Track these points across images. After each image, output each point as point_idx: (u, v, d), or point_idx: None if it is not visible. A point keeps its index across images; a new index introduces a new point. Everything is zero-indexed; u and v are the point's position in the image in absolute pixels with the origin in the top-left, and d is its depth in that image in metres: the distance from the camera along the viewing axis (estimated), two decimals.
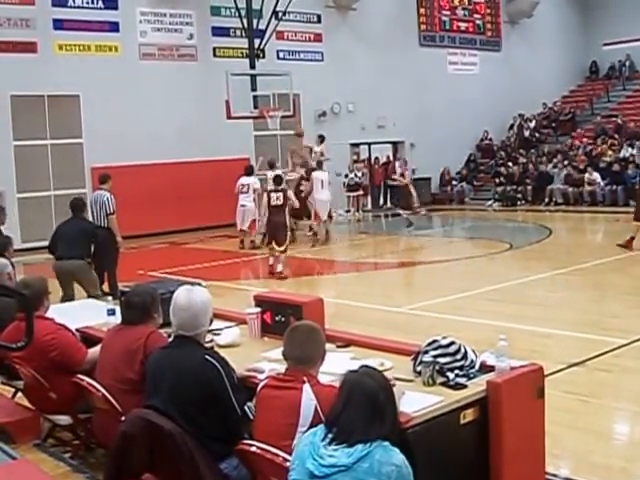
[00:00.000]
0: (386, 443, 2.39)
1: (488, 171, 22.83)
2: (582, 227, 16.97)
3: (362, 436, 2.38)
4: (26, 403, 4.41)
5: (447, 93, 22.67)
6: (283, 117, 16.22)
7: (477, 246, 14.16)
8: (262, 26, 17.24)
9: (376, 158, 22.33)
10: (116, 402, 3.45)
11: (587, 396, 5.23)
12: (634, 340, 6.51)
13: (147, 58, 17.52)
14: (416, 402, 2.92)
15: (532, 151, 22.27)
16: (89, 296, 7.57)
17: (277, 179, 11.81)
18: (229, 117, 15.97)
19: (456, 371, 3.20)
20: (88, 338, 4.38)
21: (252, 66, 17.00)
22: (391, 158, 22.66)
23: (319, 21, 20.52)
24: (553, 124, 23.84)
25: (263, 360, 3.60)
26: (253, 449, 2.78)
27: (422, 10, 22.96)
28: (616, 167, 18.77)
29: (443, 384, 3.12)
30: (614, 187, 18.46)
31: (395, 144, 22.66)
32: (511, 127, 24.26)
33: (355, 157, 20.81)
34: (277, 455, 2.68)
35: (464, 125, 22.71)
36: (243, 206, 14.16)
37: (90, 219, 9.02)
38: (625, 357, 6.15)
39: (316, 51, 20.41)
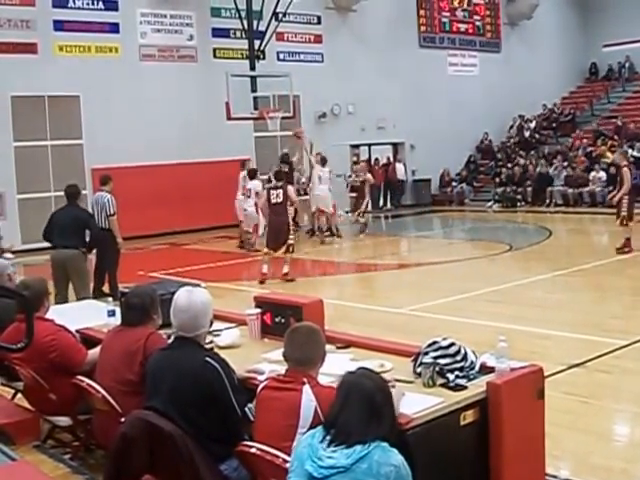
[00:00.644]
0: (385, 444, 2.40)
1: (488, 172, 22.85)
2: (582, 228, 16.97)
3: (360, 437, 2.38)
4: (26, 404, 4.41)
5: (447, 94, 22.68)
6: (283, 118, 16.23)
7: (477, 247, 14.16)
8: (262, 27, 17.27)
9: (376, 159, 22.33)
10: (116, 403, 3.45)
11: (587, 397, 5.23)
12: (634, 341, 6.51)
13: (147, 59, 17.53)
14: (416, 403, 2.92)
15: (532, 152, 22.28)
16: (79, 298, 7.55)
17: (277, 174, 11.14)
18: (229, 118, 15.99)
19: (456, 372, 3.20)
20: (88, 339, 4.38)
21: (252, 67, 17.02)
22: (391, 159, 22.71)
23: (319, 22, 20.53)
24: (553, 125, 23.86)
25: (263, 361, 3.60)
26: (253, 450, 2.78)
27: (422, 11, 22.98)
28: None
29: (443, 385, 3.12)
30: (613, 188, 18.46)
31: (395, 145, 22.68)
32: (511, 128, 24.28)
33: (355, 158, 20.81)
34: (277, 456, 2.68)
35: (464, 126, 22.73)
36: (245, 210, 14.10)
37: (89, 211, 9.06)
38: (625, 358, 6.15)
39: (316, 52, 20.42)
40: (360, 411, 2.43)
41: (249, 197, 13.78)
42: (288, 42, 19.74)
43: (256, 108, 16.30)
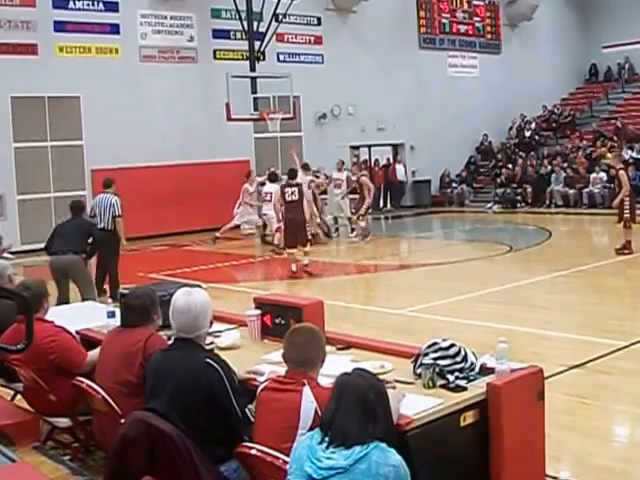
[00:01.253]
0: (383, 444, 2.40)
1: (488, 173, 22.85)
2: (582, 229, 16.97)
3: (358, 438, 2.38)
4: (25, 405, 4.41)
5: (447, 95, 22.70)
6: (283, 119, 16.24)
7: (477, 248, 14.16)
8: (262, 29, 17.29)
9: (376, 160, 22.35)
10: (116, 404, 3.44)
11: (587, 398, 5.23)
12: (634, 342, 6.51)
13: (147, 60, 17.54)
14: (416, 404, 2.92)
15: (532, 153, 22.29)
16: (83, 299, 7.57)
17: (291, 173, 11.28)
18: (229, 119, 16.00)
19: (456, 373, 3.20)
20: (88, 340, 4.38)
21: (252, 68, 17.03)
22: (391, 160, 22.73)
23: (319, 24, 20.54)
24: (553, 125, 23.87)
25: (263, 363, 3.60)
26: (253, 452, 2.78)
27: (422, 13, 22.99)
28: None
29: (443, 386, 3.12)
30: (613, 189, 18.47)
31: (395, 146, 22.69)
32: (511, 129, 24.29)
33: (355, 160, 20.83)
34: (277, 458, 2.68)
35: (464, 127, 22.73)
36: (265, 215, 14.05)
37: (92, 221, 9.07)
38: (625, 359, 6.15)
39: (316, 54, 20.43)
40: (354, 411, 2.43)
41: (269, 201, 13.62)
42: (288, 43, 19.75)
43: (256, 109, 16.32)
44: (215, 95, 16.61)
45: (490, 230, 17.12)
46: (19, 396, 4.64)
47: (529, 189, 20.46)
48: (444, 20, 23.64)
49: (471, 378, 3.19)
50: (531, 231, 16.24)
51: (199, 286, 3.82)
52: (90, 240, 8.24)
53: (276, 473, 2.65)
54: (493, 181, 21.89)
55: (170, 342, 3.40)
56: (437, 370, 3.16)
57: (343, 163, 16.65)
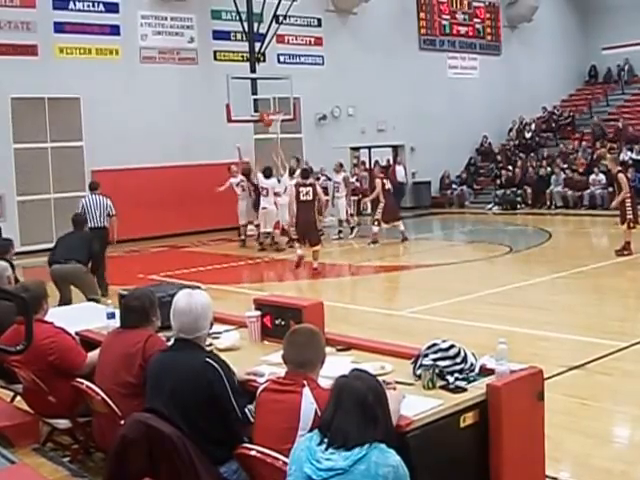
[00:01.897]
0: (382, 445, 2.40)
1: (488, 174, 22.86)
2: (582, 230, 16.97)
3: (358, 440, 2.38)
4: (25, 407, 4.40)
5: (447, 97, 22.71)
6: (283, 121, 16.25)
7: (477, 249, 14.17)
8: (263, 30, 17.29)
9: (376, 161, 22.34)
10: (115, 406, 3.44)
11: (587, 399, 5.23)
12: (634, 343, 6.51)
13: (148, 61, 17.55)
14: (416, 405, 2.92)
15: (532, 155, 22.29)
16: (88, 299, 7.58)
17: (304, 172, 11.53)
18: (229, 120, 16.00)
19: (456, 374, 3.20)
20: (87, 342, 4.38)
21: (253, 70, 17.03)
22: (391, 162, 22.72)
23: (319, 25, 20.55)
24: (553, 126, 23.88)
25: (263, 364, 3.60)
26: (253, 453, 2.78)
27: (422, 14, 23.00)
28: None
29: (443, 387, 3.12)
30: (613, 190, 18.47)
31: (395, 148, 22.69)
32: (510, 131, 24.29)
33: (355, 161, 20.84)
34: (277, 459, 2.67)
35: (464, 129, 22.75)
36: (264, 208, 14.12)
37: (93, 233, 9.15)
38: (625, 360, 6.15)
39: (316, 55, 20.44)
40: (353, 413, 2.43)
41: (266, 196, 13.84)
42: (288, 45, 19.76)
43: (256, 110, 16.32)
44: (215, 96, 16.61)
45: (490, 231, 17.12)
46: (19, 397, 4.64)
47: (529, 190, 20.47)
48: (444, 21, 23.65)
49: (471, 379, 3.19)
50: (531, 232, 16.25)
51: (199, 287, 3.83)
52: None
53: (276, 474, 2.65)
54: (493, 182, 21.89)
55: (170, 343, 3.40)
56: (437, 371, 3.16)
57: (341, 166, 16.71)
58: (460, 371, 3.22)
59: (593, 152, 20.61)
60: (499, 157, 23.05)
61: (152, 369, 3.26)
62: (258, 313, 4.20)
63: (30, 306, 3.60)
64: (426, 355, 3.28)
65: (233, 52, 18.56)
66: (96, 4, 16.81)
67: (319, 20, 20.53)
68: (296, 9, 18.34)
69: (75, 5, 16.53)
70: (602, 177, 18.86)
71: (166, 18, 17.90)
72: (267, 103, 16.33)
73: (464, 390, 3.09)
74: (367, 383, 2.52)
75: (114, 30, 17.02)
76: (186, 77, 17.80)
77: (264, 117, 15.82)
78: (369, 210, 20.86)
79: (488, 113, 23.40)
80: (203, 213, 16.98)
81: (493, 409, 3.02)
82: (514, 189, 20.82)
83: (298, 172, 13.35)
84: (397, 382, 3.15)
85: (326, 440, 2.43)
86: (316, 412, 2.74)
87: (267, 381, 3.05)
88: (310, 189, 10.89)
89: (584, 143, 21.82)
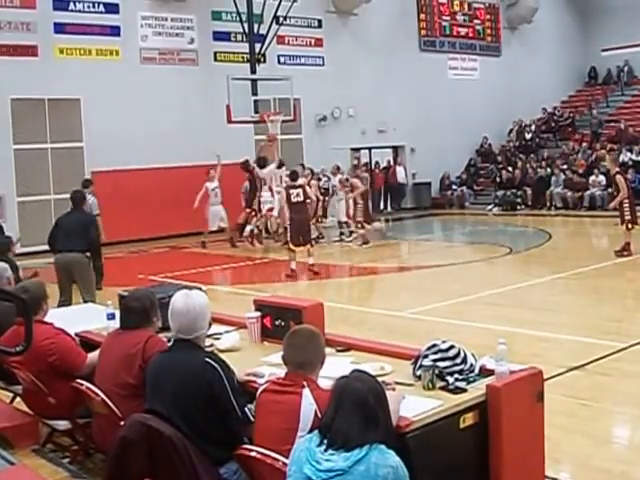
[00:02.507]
0: (382, 446, 2.40)
1: (488, 175, 22.87)
2: (581, 231, 16.97)
3: (358, 441, 2.38)
4: (24, 408, 4.40)
5: (447, 98, 22.72)
6: (284, 122, 16.25)
7: (477, 250, 14.17)
8: (263, 31, 17.30)
9: (377, 162, 22.36)
10: (115, 407, 3.44)
11: (587, 400, 5.22)
12: (634, 344, 6.51)
13: (148, 62, 17.56)
14: (416, 406, 2.92)
15: (532, 156, 22.30)
16: (85, 300, 7.57)
17: (293, 174, 11.69)
18: (230, 121, 16.00)
19: (456, 375, 3.20)
20: (87, 342, 4.37)
21: (253, 71, 17.04)
22: (392, 162, 22.73)
23: (320, 26, 20.56)
24: (553, 127, 23.88)
25: (263, 364, 3.60)
26: (253, 454, 2.78)
27: (422, 15, 23.02)
28: None
29: (443, 388, 3.12)
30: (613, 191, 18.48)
31: (395, 149, 22.70)
32: (511, 132, 24.30)
33: (355, 162, 20.82)
34: (277, 460, 2.67)
35: (464, 130, 22.76)
36: (261, 196, 14.43)
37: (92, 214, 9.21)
38: (625, 361, 6.15)
39: (317, 56, 20.45)
40: (354, 415, 2.43)
41: (264, 185, 14.19)
42: (289, 45, 19.77)
43: (257, 111, 16.32)
44: (215, 97, 16.62)
45: (490, 232, 17.13)
46: (18, 398, 4.64)
47: (529, 191, 20.48)
48: (444, 23, 23.67)
49: (471, 380, 3.19)
50: (531, 233, 16.25)
51: (199, 288, 3.83)
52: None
53: (276, 475, 2.65)
54: (493, 183, 21.90)
55: (169, 344, 3.40)
56: (437, 372, 3.16)
57: (338, 168, 16.71)
58: (460, 372, 3.22)
59: (593, 153, 20.61)
60: (499, 158, 23.06)
61: (152, 370, 3.26)
62: (258, 314, 4.20)
63: (30, 307, 3.60)
64: (426, 356, 3.28)
65: (233, 53, 18.57)
66: (96, 5, 16.82)
67: (319, 21, 20.54)
68: (296, 10, 18.35)
69: (75, 6, 16.54)
70: (602, 178, 18.87)
71: (166, 19, 17.91)
72: (267, 104, 16.35)
73: (464, 391, 3.08)
74: (368, 384, 2.52)
75: (114, 31, 17.03)
76: (186, 78, 17.81)
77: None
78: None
79: (488, 114, 23.41)
80: (203, 214, 16.96)
81: (493, 410, 3.02)
82: (514, 190, 20.83)
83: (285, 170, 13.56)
84: (397, 383, 3.15)
85: (325, 441, 2.43)
86: (316, 413, 2.74)
87: (267, 382, 3.05)
88: (300, 190, 11.12)
89: (584, 144, 21.82)
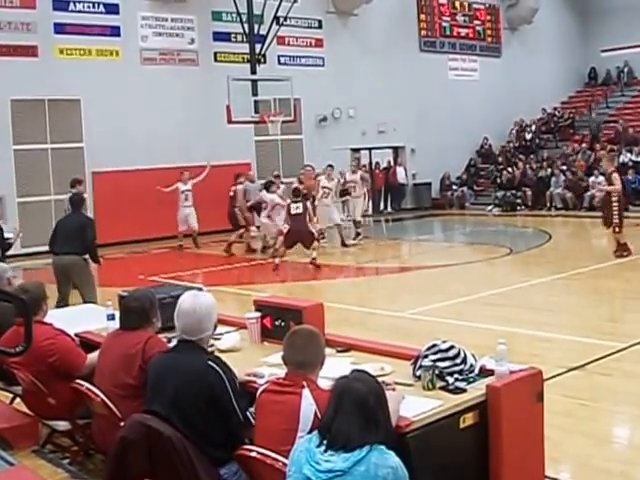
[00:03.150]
0: (382, 446, 2.40)
1: (488, 176, 22.86)
2: (581, 232, 16.97)
3: (358, 442, 2.38)
4: (24, 409, 4.39)
5: (447, 98, 22.72)
6: (284, 122, 16.25)
7: (477, 251, 14.17)
8: (263, 31, 17.29)
9: (377, 163, 22.36)
10: (115, 407, 3.44)
11: (586, 400, 5.22)
12: (633, 344, 6.50)
13: (148, 63, 17.56)
14: (416, 406, 2.92)
15: (532, 156, 22.30)
16: (85, 301, 7.57)
17: (295, 191, 12.55)
18: (230, 122, 16.00)
19: (455, 375, 3.20)
20: (87, 343, 4.37)
21: (253, 71, 17.04)
22: (392, 163, 22.72)
23: (320, 26, 20.56)
24: (553, 128, 23.88)
25: (263, 365, 3.60)
26: (253, 454, 2.78)
27: (422, 16, 23.02)
28: None
29: (442, 388, 3.12)
30: None
31: (396, 149, 22.70)
32: (511, 132, 24.30)
33: (355, 162, 20.80)
34: (277, 460, 2.67)
35: (464, 130, 22.75)
36: (262, 222, 13.95)
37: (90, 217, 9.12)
38: (625, 361, 6.15)
39: (317, 56, 20.45)
40: (354, 416, 2.42)
41: (264, 209, 13.34)
42: (289, 46, 19.78)
43: (257, 112, 16.33)
44: (216, 98, 16.61)
45: (490, 233, 17.12)
46: (18, 399, 4.63)
47: (529, 192, 20.48)
48: (445, 23, 23.67)
49: (470, 380, 3.19)
50: (531, 234, 16.24)
51: (200, 289, 3.83)
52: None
53: (276, 476, 2.65)
54: (493, 184, 21.90)
55: (173, 344, 3.40)
56: (437, 372, 3.16)
57: (358, 164, 16.80)
58: (460, 372, 3.22)
59: (593, 154, 20.60)
60: (499, 159, 23.06)
61: (153, 370, 3.25)
62: (258, 314, 4.20)
63: (29, 307, 3.60)
64: (426, 356, 3.28)
65: (233, 53, 18.57)
66: (96, 5, 16.82)
67: (319, 21, 20.54)
68: (296, 10, 18.35)
69: (75, 6, 16.54)
70: (602, 179, 18.80)
71: (166, 19, 17.92)
72: (267, 104, 16.35)
73: (464, 391, 3.09)
74: (368, 385, 2.52)
75: (114, 31, 17.04)
76: (186, 78, 17.81)
77: (264, 118, 15.75)
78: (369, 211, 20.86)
79: (488, 115, 23.41)
80: (204, 214, 16.96)
81: (493, 410, 3.02)
82: (514, 191, 20.83)
83: (278, 188, 13.66)
84: (397, 383, 3.15)
85: (325, 442, 2.43)
86: (316, 413, 2.74)
87: (267, 382, 3.05)
88: (300, 204, 12.10)
89: (584, 145, 21.82)
